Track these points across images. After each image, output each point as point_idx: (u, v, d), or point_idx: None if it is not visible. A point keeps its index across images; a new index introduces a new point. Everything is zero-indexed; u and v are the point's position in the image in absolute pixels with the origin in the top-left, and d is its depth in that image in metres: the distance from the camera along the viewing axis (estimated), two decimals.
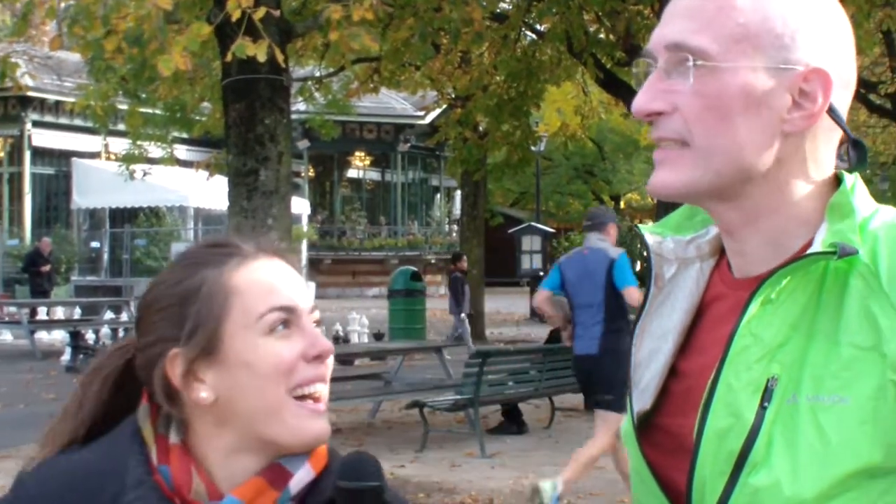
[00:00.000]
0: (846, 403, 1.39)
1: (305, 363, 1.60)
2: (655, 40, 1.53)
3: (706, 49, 1.46)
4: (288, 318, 1.60)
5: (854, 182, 1.52)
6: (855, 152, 1.53)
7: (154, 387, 1.61)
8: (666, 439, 1.59)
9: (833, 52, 1.50)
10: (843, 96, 1.51)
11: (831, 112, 1.49)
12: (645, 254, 1.71)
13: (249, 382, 1.58)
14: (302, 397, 1.59)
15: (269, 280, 1.62)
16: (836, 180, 1.54)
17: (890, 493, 1.40)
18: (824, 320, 1.44)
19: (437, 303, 30.95)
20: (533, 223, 33.37)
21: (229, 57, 8.34)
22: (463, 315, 21.26)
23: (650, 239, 1.68)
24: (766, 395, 1.44)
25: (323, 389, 1.62)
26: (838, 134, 1.53)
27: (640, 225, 1.65)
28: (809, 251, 1.45)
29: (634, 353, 1.68)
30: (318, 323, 1.65)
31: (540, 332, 24.85)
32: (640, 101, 1.52)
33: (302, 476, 1.63)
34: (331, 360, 1.64)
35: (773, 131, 1.48)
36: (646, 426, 1.64)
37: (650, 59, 1.53)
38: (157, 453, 1.60)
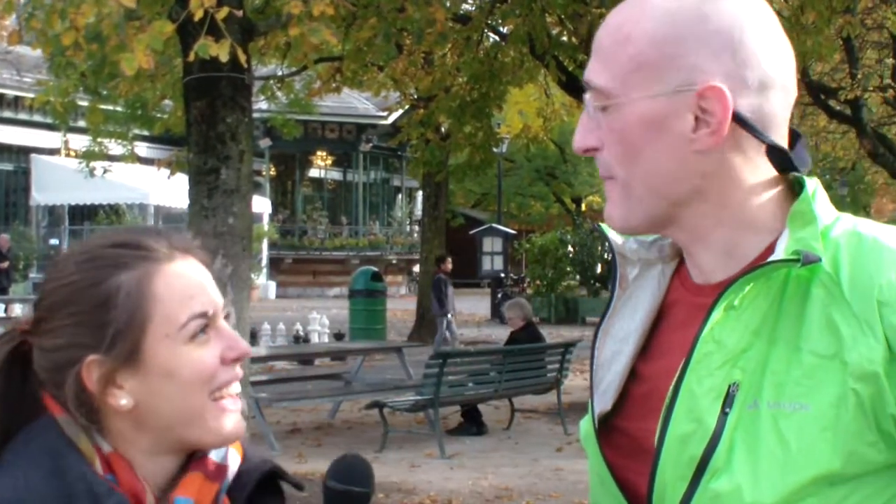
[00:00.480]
0: (807, 411, 1.41)
1: (224, 367, 1.60)
2: (585, 78, 1.56)
3: (606, 86, 1.51)
4: (206, 324, 1.59)
5: (815, 188, 1.52)
6: (772, 157, 1.52)
7: (65, 391, 1.57)
8: (626, 442, 1.61)
9: (731, 59, 1.49)
10: (757, 99, 1.50)
11: (740, 122, 1.49)
12: (608, 255, 1.73)
13: (171, 390, 1.57)
14: (222, 398, 1.59)
15: (187, 285, 1.60)
16: (793, 184, 1.55)
17: (849, 499, 1.41)
18: (786, 327, 1.46)
19: (397, 303, 30.97)
20: (494, 224, 33.42)
21: (192, 57, 8.28)
22: (450, 316, 21.21)
23: (613, 240, 1.69)
24: (728, 400, 1.45)
25: (238, 388, 1.62)
26: (777, 138, 1.52)
27: (601, 225, 1.65)
28: (772, 258, 1.47)
29: (597, 354, 1.69)
30: (228, 317, 1.64)
31: (501, 334, 24.88)
32: (576, 139, 1.57)
33: (234, 464, 1.67)
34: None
35: (684, 154, 1.49)
36: (606, 428, 1.65)
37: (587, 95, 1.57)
38: (101, 463, 1.57)
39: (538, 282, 32.18)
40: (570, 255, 31.95)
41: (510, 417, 13.70)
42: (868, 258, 1.44)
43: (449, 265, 21.76)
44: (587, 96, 1.54)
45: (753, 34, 1.51)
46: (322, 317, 22.72)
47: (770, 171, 1.54)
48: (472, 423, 13.17)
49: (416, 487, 10.13)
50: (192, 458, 1.64)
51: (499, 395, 13.08)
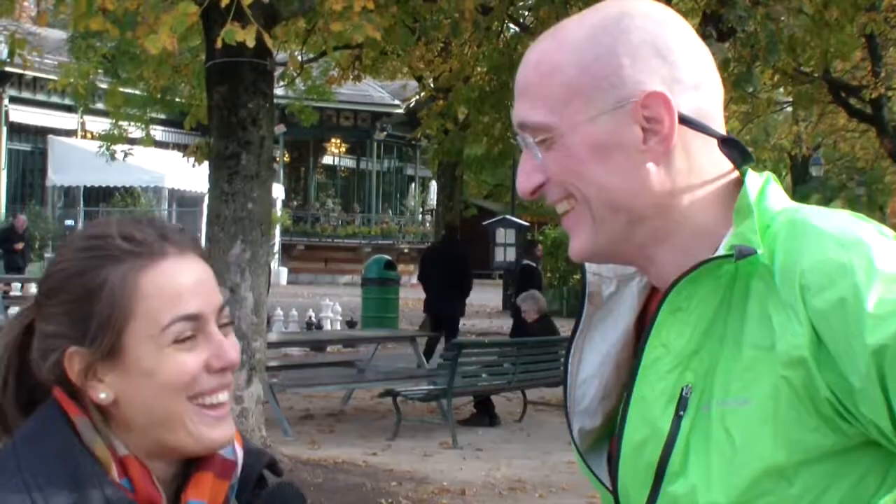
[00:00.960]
0: (749, 405, 1.41)
1: (208, 374, 1.55)
2: (513, 122, 1.57)
3: (543, 122, 1.50)
4: (193, 327, 1.54)
5: (764, 183, 1.52)
6: (728, 150, 1.52)
7: (44, 376, 1.55)
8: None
9: (666, 64, 1.50)
10: (694, 98, 1.51)
11: (686, 122, 1.49)
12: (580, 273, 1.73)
13: (149, 390, 1.52)
14: (203, 405, 1.55)
15: (176, 285, 1.54)
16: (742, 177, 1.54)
17: (806, 497, 1.40)
18: (733, 325, 1.46)
19: (409, 292, 30.92)
20: (508, 216, 33.35)
21: (219, 43, 8.28)
22: None
23: (589, 262, 1.68)
24: (681, 403, 1.46)
25: (225, 397, 1.57)
26: (712, 141, 1.52)
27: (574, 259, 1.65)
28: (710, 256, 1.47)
29: (571, 372, 1.68)
30: (228, 324, 1.60)
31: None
32: (520, 184, 1.56)
33: (240, 459, 1.64)
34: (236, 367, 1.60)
35: (637, 166, 1.49)
36: (607, 442, 1.66)
37: (519, 138, 1.57)
38: (116, 468, 1.53)
39: (551, 274, 32.12)
40: None
41: (523, 409, 13.70)
42: (795, 244, 1.43)
43: (540, 251, 21.40)
44: (522, 138, 1.54)
45: (675, 38, 1.52)
46: (335, 304, 22.72)
47: (715, 173, 1.53)
48: (484, 415, 13.18)
49: (428, 476, 10.14)
50: (199, 457, 1.60)
51: (512, 387, 13.09)
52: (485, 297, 34.98)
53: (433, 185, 40.06)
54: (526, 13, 18.77)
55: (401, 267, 30.29)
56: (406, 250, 42.97)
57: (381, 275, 22.40)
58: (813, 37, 13.80)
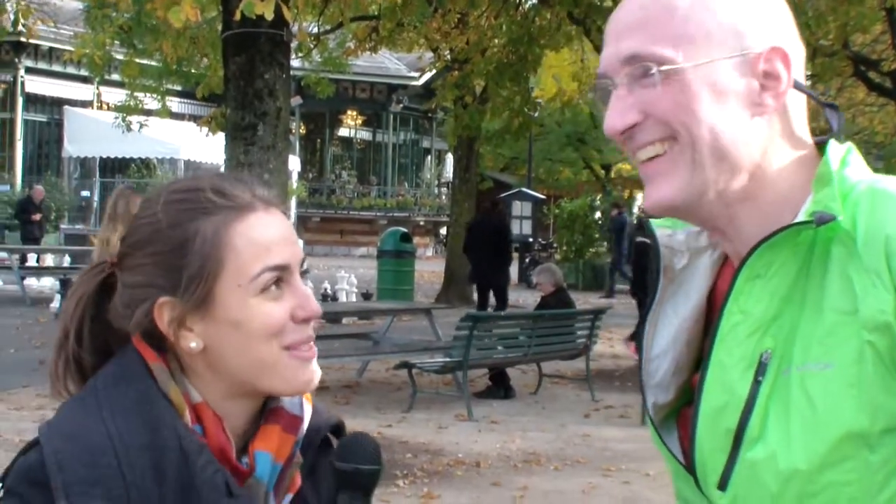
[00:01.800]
0: (831, 369, 1.41)
1: (294, 324, 1.59)
2: (609, 60, 1.55)
3: (664, 54, 1.49)
4: (280, 277, 1.59)
5: (846, 152, 1.53)
6: (833, 115, 1.56)
7: (133, 325, 1.60)
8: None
9: (781, 26, 1.53)
10: (799, 67, 1.54)
11: (796, 85, 1.52)
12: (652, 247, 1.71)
13: (239, 340, 1.58)
14: (293, 350, 1.60)
15: (265, 237, 1.59)
16: (821, 150, 1.56)
17: (887, 465, 1.40)
18: (813, 290, 1.46)
19: (424, 265, 30.94)
20: (524, 189, 33.31)
21: (238, 16, 8.27)
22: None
23: (660, 233, 1.69)
24: (760, 369, 1.46)
25: (311, 342, 1.62)
26: (803, 107, 1.55)
27: (650, 221, 1.66)
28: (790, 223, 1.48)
29: (646, 346, 1.68)
30: (304, 274, 1.65)
31: (528, 298, 24.87)
32: (613, 121, 1.54)
33: (308, 416, 1.69)
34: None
35: (747, 118, 1.50)
36: (682, 415, 1.66)
37: (607, 81, 1.55)
38: (189, 413, 1.58)
39: (567, 247, 32.09)
40: (599, 222, 31.84)
41: (538, 382, 13.71)
42: (879, 211, 1.44)
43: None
44: (627, 73, 1.52)
45: (785, 4, 1.56)
46: (350, 276, 22.72)
47: (803, 140, 1.56)
48: (499, 387, 13.17)
49: (443, 448, 10.15)
50: (267, 408, 1.66)
51: (527, 360, 13.08)
52: None
53: (449, 157, 40.02)
54: None
55: (416, 239, 30.30)
56: (422, 223, 42.99)
57: (396, 247, 22.39)
58: (833, 10, 13.71)
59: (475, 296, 24.70)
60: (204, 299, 1.57)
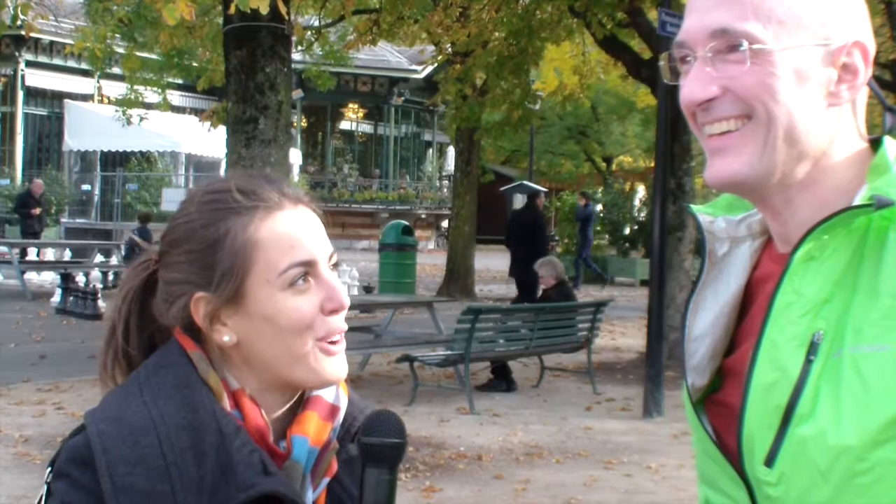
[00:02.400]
0: (886, 350, 1.42)
1: (324, 316, 1.66)
2: (695, 29, 1.56)
3: (754, 33, 1.51)
4: (307, 272, 1.66)
5: None
6: (891, 117, 1.63)
7: (170, 319, 1.70)
8: (726, 411, 1.63)
9: (861, 21, 1.56)
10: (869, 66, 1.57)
11: (868, 82, 1.56)
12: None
13: (271, 333, 1.65)
14: (324, 344, 1.66)
15: (292, 233, 1.67)
16: (872, 146, 1.60)
17: None
18: (866, 275, 1.48)
19: (425, 258, 30.97)
20: (525, 182, 33.30)
21: (232, 9, 8.26)
22: None
23: (702, 219, 1.73)
24: (812, 349, 1.48)
25: (341, 335, 1.69)
26: (864, 103, 1.59)
27: (691, 206, 1.70)
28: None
29: (688, 326, 1.71)
30: (336, 267, 1.72)
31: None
32: (694, 91, 1.56)
33: (344, 405, 1.77)
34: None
35: (822, 107, 1.53)
36: (710, 402, 1.69)
37: (688, 51, 1.57)
38: (228, 399, 1.65)
39: (568, 240, 32.07)
40: (601, 215, 31.83)
41: (540, 375, 13.71)
42: None
43: None
44: (711, 46, 1.54)
45: (864, 5, 1.60)
46: (352, 269, 22.74)
47: (863, 135, 1.59)
48: (501, 380, 13.18)
49: (445, 442, 10.16)
50: (305, 396, 1.73)
51: (529, 353, 13.07)
52: (502, 263, 35.00)
53: (450, 150, 40.03)
54: None
55: (418, 232, 30.31)
56: (423, 216, 42.97)
57: (398, 240, 22.38)
58: None
59: (476, 289, 24.75)
60: (235, 295, 1.65)
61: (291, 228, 1.67)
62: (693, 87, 1.56)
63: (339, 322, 1.68)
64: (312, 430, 1.69)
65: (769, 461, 1.50)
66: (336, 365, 1.68)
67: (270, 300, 1.64)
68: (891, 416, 1.40)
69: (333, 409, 1.74)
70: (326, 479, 1.72)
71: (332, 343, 1.67)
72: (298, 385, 1.70)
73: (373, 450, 1.66)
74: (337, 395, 1.76)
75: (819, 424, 1.45)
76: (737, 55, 1.52)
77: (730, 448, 1.60)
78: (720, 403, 1.66)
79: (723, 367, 1.68)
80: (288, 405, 1.72)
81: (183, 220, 1.71)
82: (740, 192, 1.62)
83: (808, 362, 1.47)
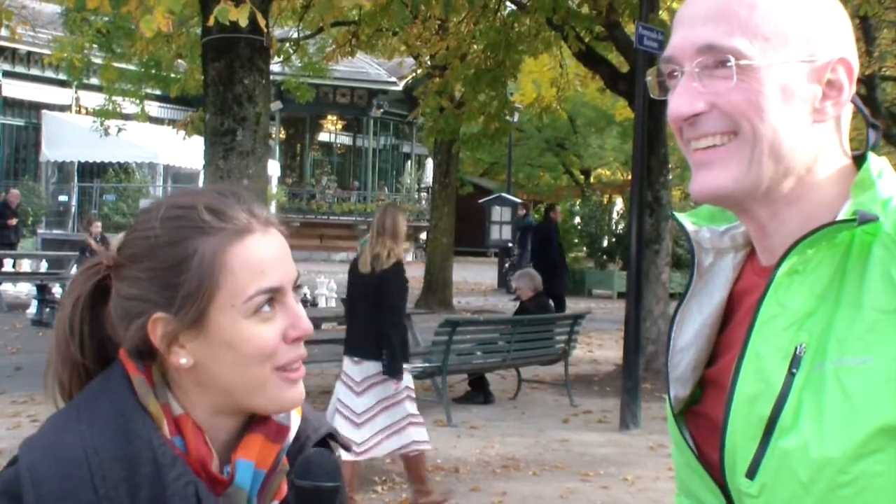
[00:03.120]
0: (870, 364, 1.43)
1: (286, 344, 1.63)
2: (682, 45, 1.58)
3: (741, 49, 1.53)
4: (273, 298, 1.62)
5: (882, 166, 1.58)
6: (875, 134, 1.62)
7: (127, 339, 1.62)
8: (706, 423, 1.64)
9: (846, 38, 1.57)
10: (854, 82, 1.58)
11: (852, 99, 1.57)
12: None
13: (231, 360, 1.60)
14: (283, 372, 1.63)
15: (260, 259, 1.62)
16: (856, 162, 1.61)
17: None
18: (850, 289, 1.49)
19: None
20: (504, 194, 33.35)
21: (211, 20, 8.25)
22: None
23: (688, 227, 1.74)
24: (795, 361, 1.49)
25: (301, 361, 1.66)
26: (849, 120, 1.60)
27: (675, 213, 1.71)
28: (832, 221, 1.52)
29: (674, 338, 1.73)
30: (298, 289, 1.68)
31: (507, 303, 24.88)
32: (681, 105, 1.57)
33: (295, 425, 1.72)
34: None
35: (807, 123, 1.55)
36: (691, 413, 1.70)
37: (675, 66, 1.59)
38: (168, 425, 1.60)
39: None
40: (579, 227, 31.88)
41: (517, 387, 13.72)
42: None
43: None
44: (699, 61, 1.56)
45: (847, 18, 1.61)
46: (330, 281, 22.67)
47: (846, 151, 1.61)
48: (478, 392, 13.18)
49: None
50: (254, 418, 1.68)
51: (506, 365, 13.08)
52: (480, 275, 35.01)
53: (429, 162, 40.01)
54: None
55: None
56: None
57: None
58: None
59: (454, 301, 24.73)
60: (198, 318, 1.59)
61: (260, 253, 1.62)
62: (680, 101, 1.57)
63: (301, 349, 1.65)
64: (257, 453, 1.64)
65: (751, 473, 1.51)
66: (294, 392, 1.64)
67: (234, 326, 1.59)
68: (873, 428, 1.41)
69: (281, 430, 1.69)
70: (276, 503, 1.68)
71: (293, 371, 1.63)
72: (254, 411, 1.65)
73: (305, 493, 1.64)
74: (287, 415, 1.71)
75: (801, 436, 1.45)
76: (724, 71, 1.53)
77: (710, 460, 1.61)
78: (701, 415, 1.66)
79: (704, 378, 1.68)
80: (236, 429, 1.68)
81: (144, 234, 1.64)
82: (725, 205, 1.63)
83: (791, 375, 1.48)
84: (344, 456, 7.61)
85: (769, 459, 1.49)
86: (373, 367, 8.16)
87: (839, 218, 1.52)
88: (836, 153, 1.58)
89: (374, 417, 8.20)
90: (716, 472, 1.59)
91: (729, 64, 1.53)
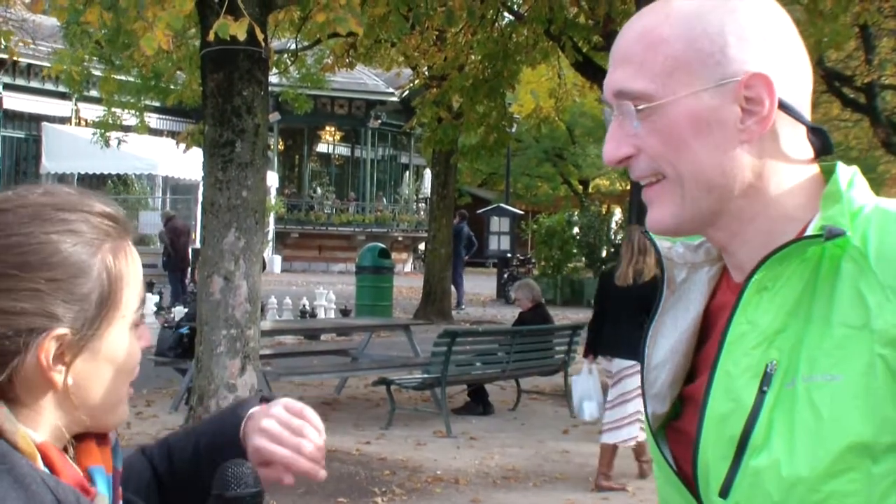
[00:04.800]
0: (838, 381, 1.42)
1: None
2: (605, 89, 1.58)
3: (644, 90, 1.52)
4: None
5: (853, 175, 1.56)
6: (816, 138, 1.57)
7: (13, 360, 1.40)
8: (685, 438, 1.63)
9: (767, 50, 1.53)
10: (790, 85, 1.54)
11: (784, 108, 1.53)
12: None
13: (108, 376, 1.49)
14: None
15: (139, 268, 1.52)
16: (825, 173, 1.58)
17: (889, 477, 1.41)
18: (819, 305, 1.48)
19: (402, 280, 30.91)
20: (502, 204, 33.37)
21: (211, 36, 8.28)
22: None
23: (661, 244, 1.72)
24: (765, 379, 1.48)
25: None
26: (801, 127, 1.56)
27: (648, 231, 1.66)
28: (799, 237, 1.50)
29: (647, 354, 1.71)
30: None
31: (506, 314, 24.89)
32: (607, 151, 1.58)
33: None
34: None
35: (732, 145, 1.52)
36: (671, 429, 1.69)
37: (609, 107, 1.58)
38: (43, 459, 1.42)
39: (545, 263, 32.13)
40: (577, 237, 31.89)
41: (517, 398, 13.71)
42: (892, 229, 1.47)
43: None
44: (617, 106, 1.55)
45: (778, 24, 1.56)
46: (329, 292, 22.70)
47: (800, 160, 1.57)
48: (478, 403, 13.18)
49: (422, 465, 10.15)
50: None
51: (506, 376, 13.08)
52: (479, 286, 35.00)
53: (427, 173, 40.02)
54: (520, 1, 18.78)
55: (395, 255, 30.28)
56: (400, 238, 42.93)
57: (375, 263, 22.37)
58: (807, 26, 13.82)
59: (453, 312, 24.74)
60: (97, 332, 1.46)
61: (137, 263, 1.51)
62: (608, 147, 1.58)
63: None
64: (101, 459, 1.52)
65: (724, 492, 1.50)
66: (126, 408, 1.54)
67: (121, 340, 1.48)
68: (843, 446, 1.40)
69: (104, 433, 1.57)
70: None
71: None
72: (102, 429, 1.53)
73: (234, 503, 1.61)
74: None
75: (773, 455, 1.45)
76: (640, 114, 1.53)
77: (688, 476, 1.60)
78: (680, 431, 1.65)
79: (683, 395, 1.67)
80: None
81: (34, 239, 1.42)
82: (682, 235, 1.64)
83: (762, 393, 1.47)
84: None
85: (741, 479, 1.48)
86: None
87: (809, 232, 1.51)
88: (785, 164, 1.55)
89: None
90: (694, 488, 1.59)
91: (640, 107, 1.52)
